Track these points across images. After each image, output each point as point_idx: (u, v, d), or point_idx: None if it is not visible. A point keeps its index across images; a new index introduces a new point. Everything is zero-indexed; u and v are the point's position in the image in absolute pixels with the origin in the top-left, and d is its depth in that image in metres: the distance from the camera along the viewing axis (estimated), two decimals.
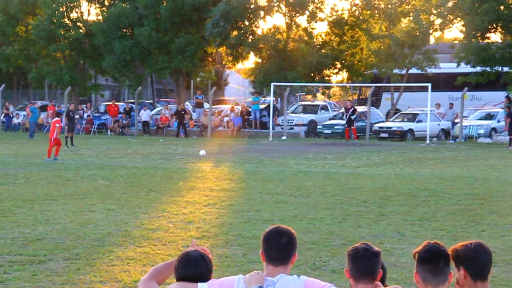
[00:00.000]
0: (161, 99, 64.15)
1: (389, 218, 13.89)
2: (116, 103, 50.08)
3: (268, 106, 43.76)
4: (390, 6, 46.15)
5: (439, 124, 40.56)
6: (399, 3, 46.26)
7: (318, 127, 43.19)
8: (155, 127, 46.22)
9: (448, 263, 4.20)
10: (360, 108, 42.75)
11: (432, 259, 4.16)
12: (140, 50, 49.35)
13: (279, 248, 4.39)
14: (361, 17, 48.45)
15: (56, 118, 28.54)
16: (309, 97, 53.72)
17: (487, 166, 24.86)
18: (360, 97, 52.38)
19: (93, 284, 9.02)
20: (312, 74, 48.59)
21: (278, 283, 4.34)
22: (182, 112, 44.44)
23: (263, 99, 48.08)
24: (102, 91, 58.17)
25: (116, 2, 50.76)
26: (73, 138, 34.05)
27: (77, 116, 44.45)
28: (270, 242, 4.42)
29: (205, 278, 4.37)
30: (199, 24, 50.23)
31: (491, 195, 17.20)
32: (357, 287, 4.32)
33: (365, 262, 4.30)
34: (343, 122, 41.52)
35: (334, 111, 46.95)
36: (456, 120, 40.38)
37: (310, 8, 48.19)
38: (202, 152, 28.81)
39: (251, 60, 55.40)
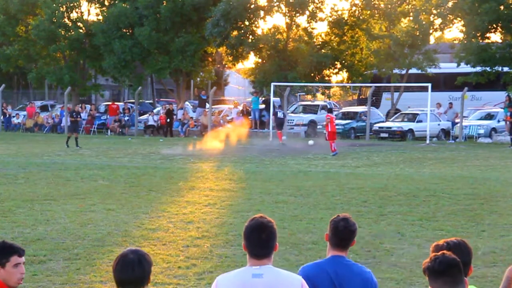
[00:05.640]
0: (161, 99, 64.13)
1: (389, 218, 13.89)
2: (116, 103, 49.94)
3: (266, 103, 43.69)
4: (390, 6, 46.11)
5: (439, 124, 40.52)
6: (399, 3, 46.22)
7: (318, 127, 43.16)
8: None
9: (462, 270, 4.05)
10: (360, 108, 42.56)
11: (448, 270, 3.99)
12: (140, 50, 49.32)
13: (261, 245, 4.49)
14: (361, 17, 48.42)
15: (331, 116, 30.67)
16: (309, 97, 53.69)
17: (487, 166, 24.84)
18: (360, 97, 52.38)
19: (93, 284, 9.02)
20: (312, 74, 48.56)
21: (265, 275, 4.41)
22: (173, 112, 44.66)
23: (262, 99, 48.03)
24: (102, 91, 58.10)
25: (116, 2, 50.73)
26: (78, 138, 33.46)
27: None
28: (251, 239, 4.51)
29: (143, 281, 4.29)
30: (199, 24, 50.22)
31: (491, 195, 17.19)
32: (332, 252, 4.96)
33: (342, 236, 4.93)
34: (343, 122, 41.70)
35: (334, 111, 46.88)
36: (456, 120, 40.35)
37: (310, 8, 48.17)
38: (311, 142, 32.86)
39: (251, 60, 55.48)
